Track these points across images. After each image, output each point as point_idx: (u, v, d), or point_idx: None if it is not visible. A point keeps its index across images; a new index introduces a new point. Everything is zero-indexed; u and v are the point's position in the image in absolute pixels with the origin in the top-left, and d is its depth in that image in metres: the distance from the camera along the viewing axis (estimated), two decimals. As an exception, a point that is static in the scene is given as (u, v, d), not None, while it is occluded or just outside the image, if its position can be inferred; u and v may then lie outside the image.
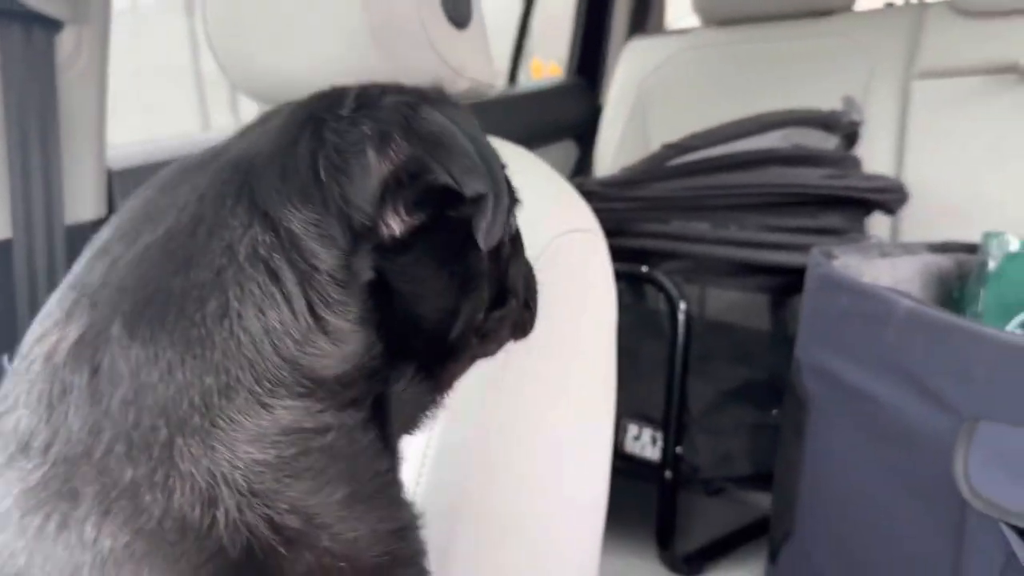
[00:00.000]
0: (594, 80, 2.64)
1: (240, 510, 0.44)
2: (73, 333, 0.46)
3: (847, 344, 1.13)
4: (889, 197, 1.66)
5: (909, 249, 1.39)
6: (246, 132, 0.56)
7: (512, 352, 0.84)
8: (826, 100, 1.80)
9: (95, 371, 0.45)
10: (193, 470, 0.44)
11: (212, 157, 0.53)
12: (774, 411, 1.58)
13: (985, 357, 0.94)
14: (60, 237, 1.21)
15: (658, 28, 2.71)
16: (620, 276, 0.98)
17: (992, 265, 1.16)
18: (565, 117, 2.54)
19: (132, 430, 0.44)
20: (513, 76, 2.58)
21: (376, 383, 0.51)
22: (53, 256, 1.21)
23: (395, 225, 0.49)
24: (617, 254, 0.96)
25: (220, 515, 0.43)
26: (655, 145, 1.76)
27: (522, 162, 0.94)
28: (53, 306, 0.49)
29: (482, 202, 0.49)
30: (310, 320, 0.47)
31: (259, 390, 0.45)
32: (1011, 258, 1.16)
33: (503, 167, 0.55)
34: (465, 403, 0.84)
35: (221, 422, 0.44)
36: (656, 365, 1.64)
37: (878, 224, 1.86)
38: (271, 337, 0.46)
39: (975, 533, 0.94)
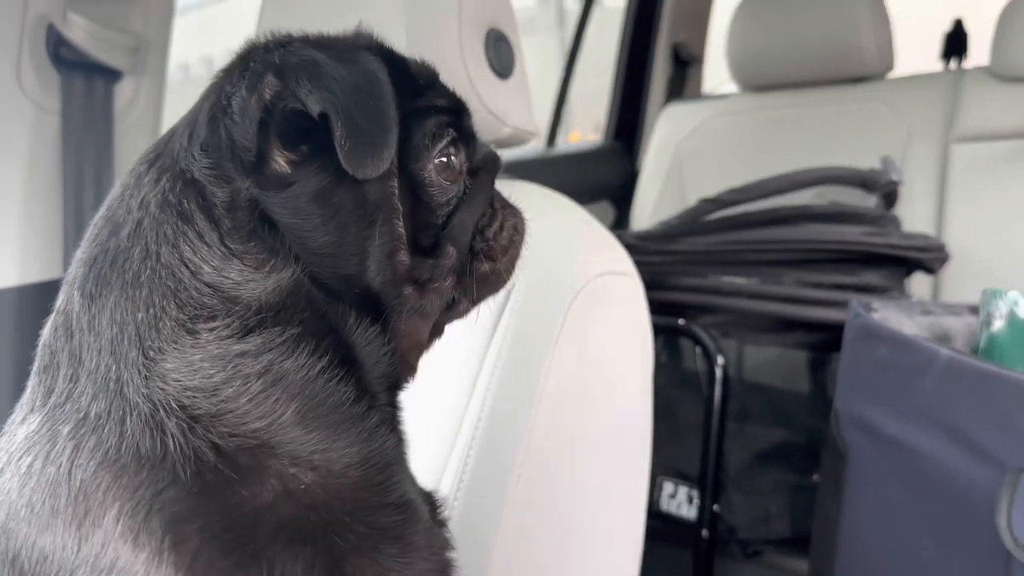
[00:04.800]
0: (631, 144, 2.68)
1: (184, 435, 0.48)
2: (56, 310, 0.55)
3: (886, 394, 1.11)
4: (930, 256, 1.65)
5: (952, 310, 1.36)
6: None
7: (544, 386, 0.84)
8: (863, 164, 1.80)
9: (70, 334, 0.52)
10: (137, 399, 0.49)
11: None
12: (814, 476, 1.54)
13: (1029, 407, 0.92)
14: (108, 279, 1.24)
15: (695, 95, 2.75)
16: (657, 330, 0.97)
17: (999, 325, 1.11)
18: (602, 179, 2.57)
19: (95, 371, 0.50)
20: (552, 139, 2.62)
21: (319, 319, 0.53)
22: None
23: (281, 159, 0.53)
24: (653, 307, 0.96)
25: (169, 442, 0.47)
26: (691, 205, 1.78)
27: (560, 207, 0.96)
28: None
29: (331, 124, 0.50)
30: (223, 249, 0.52)
31: (183, 316, 0.50)
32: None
33: (376, 96, 0.53)
34: (490, 452, 0.84)
35: (152, 352, 0.50)
36: (692, 422, 1.62)
37: (919, 285, 1.84)
38: (189, 267, 0.51)
39: (1022, 588, 0.90)
